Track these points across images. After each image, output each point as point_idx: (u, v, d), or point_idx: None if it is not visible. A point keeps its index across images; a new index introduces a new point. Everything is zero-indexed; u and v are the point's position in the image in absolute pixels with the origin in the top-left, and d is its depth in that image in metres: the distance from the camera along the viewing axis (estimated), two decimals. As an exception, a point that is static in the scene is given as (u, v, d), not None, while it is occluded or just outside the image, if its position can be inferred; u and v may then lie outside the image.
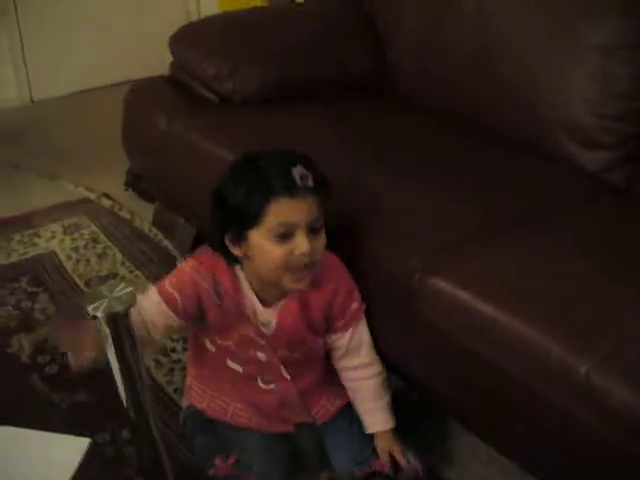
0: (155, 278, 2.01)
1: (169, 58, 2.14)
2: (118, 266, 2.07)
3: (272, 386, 1.42)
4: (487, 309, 1.24)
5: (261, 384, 1.42)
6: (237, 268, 1.36)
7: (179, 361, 1.69)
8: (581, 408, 1.12)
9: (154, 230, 2.26)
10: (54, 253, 2.16)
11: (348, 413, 1.46)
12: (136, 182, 2.38)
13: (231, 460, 1.36)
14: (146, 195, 2.37)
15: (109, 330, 0.88)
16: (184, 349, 1.72)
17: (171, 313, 1.32)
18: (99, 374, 1.07)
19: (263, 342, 1.36)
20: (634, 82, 1.64)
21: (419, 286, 1.32)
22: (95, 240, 2.22)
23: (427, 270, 1.32)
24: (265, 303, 1.36)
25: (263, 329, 1.36)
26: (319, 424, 1.45)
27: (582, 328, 1.16)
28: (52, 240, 2.23)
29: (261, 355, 1.38)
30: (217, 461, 1.36)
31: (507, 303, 1.23)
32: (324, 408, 1.47)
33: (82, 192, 2.54)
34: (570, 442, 1.17)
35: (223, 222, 1.31)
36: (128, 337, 0.90)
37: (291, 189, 1.24)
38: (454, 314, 1.28)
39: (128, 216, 2.36)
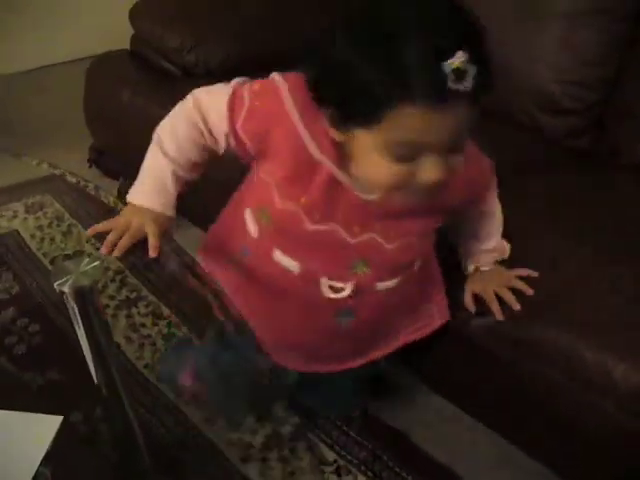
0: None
1: (131, 31, 2.10)
2: (84, 243, 2.04)
3: (346, 291, 1.03)
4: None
5: (328, 293, 1.04)
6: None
7: (149, 336, 1.68)
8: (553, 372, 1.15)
9: (119, 204, 2.23)
10: (17, 232, 2.12)
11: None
12: (99, 159, 2.34)
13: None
14: (110, 172, 2.33)
15: (76, 305, 0.87)
16: (154, 324, 1.71)
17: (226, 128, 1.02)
18: (70, 352, 1.05)
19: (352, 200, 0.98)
20: (599, 48, 1.66)
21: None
22: (59, 218, 2.18)
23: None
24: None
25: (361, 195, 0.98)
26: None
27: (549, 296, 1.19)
28: (14, 219, 2.18)
29: (341, 231, 1.00)
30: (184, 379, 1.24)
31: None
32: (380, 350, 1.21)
33: (46, 169, 2.50)
34: (537, 400, 1.20)
35: (320, 90, 0.89)
36: (96, 312, 0.90)
37: (436, 94, 0.78)
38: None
39: (93, 192, 2.33)
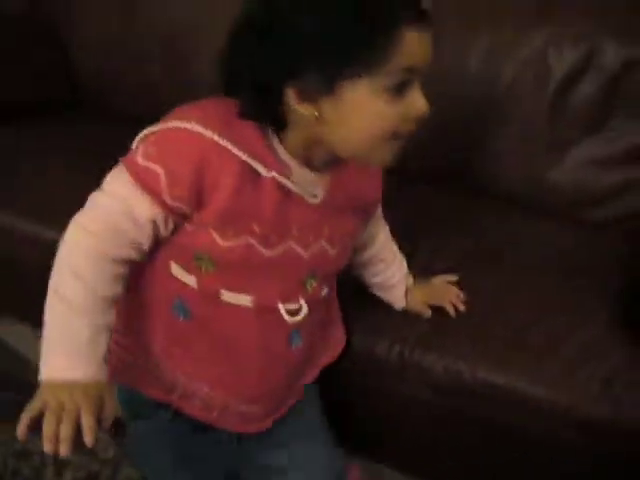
0: None
1: None
2: None
3: (303, 311, 0.94)
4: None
5: (286, 316, 0.93)
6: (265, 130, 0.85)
7: None
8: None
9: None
10: None
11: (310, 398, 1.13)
12: None
13: None
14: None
15: None
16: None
17: (147, 205, 0.82)
18: None
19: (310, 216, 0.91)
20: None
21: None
22: None
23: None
24: (311, 167, 0.89)
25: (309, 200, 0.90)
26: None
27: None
28: None
29: (296, 247, 0.91)
30: None
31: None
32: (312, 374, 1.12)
33: None
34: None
35: (283, 65, 0.77)
36: None
37: (421, 14, 0.78)
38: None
39: None
